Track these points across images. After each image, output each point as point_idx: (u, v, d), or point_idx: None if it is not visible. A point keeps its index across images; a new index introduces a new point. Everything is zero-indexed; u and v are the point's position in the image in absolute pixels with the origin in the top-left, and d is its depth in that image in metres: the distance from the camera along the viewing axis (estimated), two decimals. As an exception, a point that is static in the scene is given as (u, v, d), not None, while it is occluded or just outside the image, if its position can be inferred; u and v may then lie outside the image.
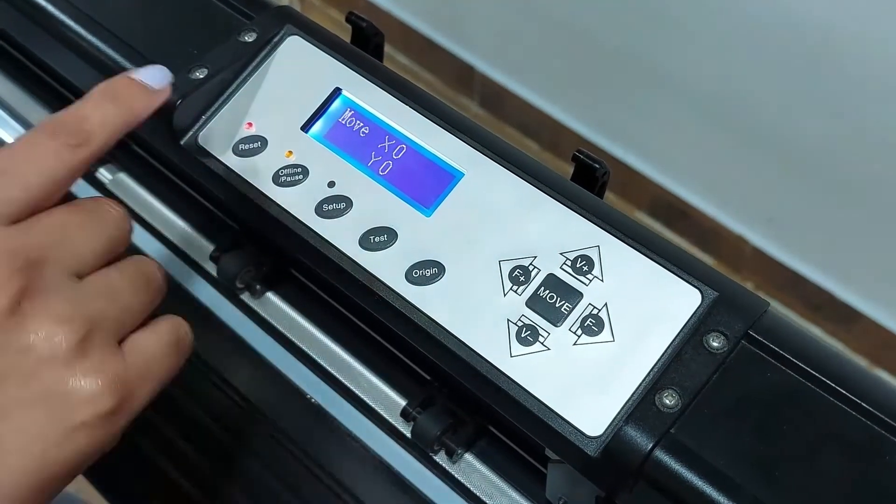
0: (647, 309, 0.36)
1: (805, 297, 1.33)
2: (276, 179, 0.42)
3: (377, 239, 0.40)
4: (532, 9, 1.37)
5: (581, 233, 0.38)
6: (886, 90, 1.07)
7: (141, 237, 0.57)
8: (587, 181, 0.42)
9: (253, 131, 0.43)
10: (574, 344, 0.36)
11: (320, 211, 0.41)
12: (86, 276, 0.34)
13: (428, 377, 0.49)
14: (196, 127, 0.43)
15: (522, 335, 0.37)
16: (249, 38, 0.45)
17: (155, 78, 0.39)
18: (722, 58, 1.19)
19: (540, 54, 1.44)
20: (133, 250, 0.57)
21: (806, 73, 1.12)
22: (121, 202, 0.58)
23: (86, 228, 0.35)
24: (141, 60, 0.44)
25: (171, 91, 0.40)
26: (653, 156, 1.40)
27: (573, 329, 0.36)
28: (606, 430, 0.34)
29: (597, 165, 0.42)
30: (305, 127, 0.43)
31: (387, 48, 0.49)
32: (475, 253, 0.39)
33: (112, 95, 0.37)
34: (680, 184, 1.39)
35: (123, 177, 0.60)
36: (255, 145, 0.43)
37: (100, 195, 0.37)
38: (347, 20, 0.48)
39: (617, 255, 0.37)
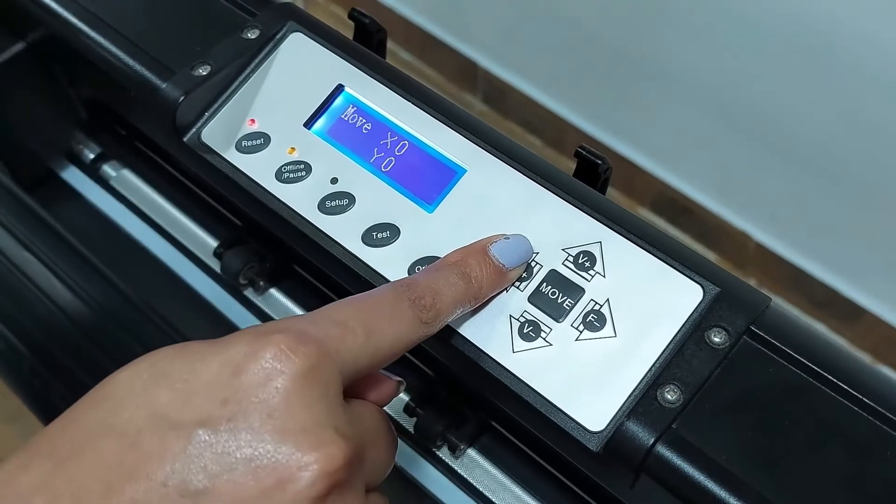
0: (648, 304, 0.36)
1: (809, 293, 1.33)
2: (279, 176, 0.42)
3: (380, 235, 0.40)
4: (535, 4, 1.37)
5: (583, 229, 0.38)
6: (891, 87, 1.07)
7: (145, 234, 0.58)
8: (590, 177, 0.42)
9: (256, 128, 0.43)
10: (576, 339, 0.36)
11: (323, 207, 0.41)
12: (369, 493, 0.31)
13: (430, 373, 0.49)
14: (199, 124, 0.43)
15: (524, 331, 0.37)
16: (252, 34, 0.45)
17: (512, 257, 0.37)
18: (726, 54, 1.19)
19: (543, 50, 1.44)
20: (137, 247, 0.58)
21: (811, 69, 1.12)
22: (136, 206, 0.59)
23: (388, 448, 0.32)
24: (144, 57, 0.44)
25: (523, 270, 0.38)
26: (656, 152, 1.40)
27: (575, 325, 0.36)
28: (608, 425, 0.34)
29: (599, 161, 0.42)
30: (308, 123, 0.43)
31: (389, 44, 0.49)
32: (477, 249, 0.39)
33: (466, 274, 0.35)
34: (683, 180, 1.39)
35: (127, 173, 0.60)
36: (257, 142, 0.43)
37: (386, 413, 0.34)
38: (350, 17, 0.48)
39: (619, 251, 0.38)
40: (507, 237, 0.38)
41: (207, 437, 0.27)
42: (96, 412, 0.28)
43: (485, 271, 0.36)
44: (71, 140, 0.61)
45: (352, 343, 0.30)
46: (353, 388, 0.33)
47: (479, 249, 0.37)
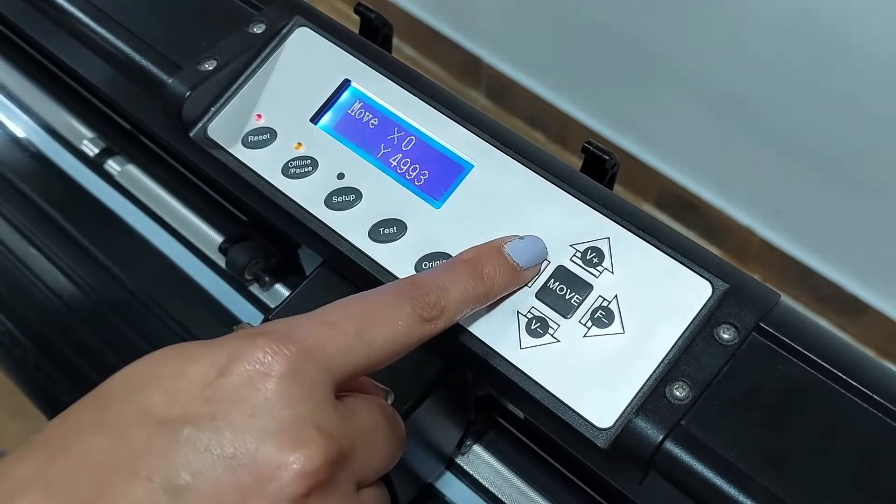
0: (657, 301, 0.36)
1: (812, 289, 1.33)
2: (286, 171, 0.42)
3: (387, 231, 0.40)
4: None
5: (591, 224, 0.38)
6: (894, 83, 1.06)
7: (150, 229, 0.58)
8: (597, 173, 0.42)
9: (262, 123, 0.43)
10: (584, 336, 0.36)
11: (330, 203, 0.41)
12: (362, 489, 0.31)
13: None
14: (205, 119, 0.43)
15: (532, 327, 0.37)
16: (258, 29, 0.45)
17: (527, 256, 0.37)
18: (730, 50, 1.19)
19: (547, 45, 1.43)
20: (142, 242, 0.58)
21: (815, 65, 1.11)
22: (141, 202, 0.58)
23: (387, 443, 0.32)
24: (151, 52, 0.44)
25: (538, 271, 0.37)
26: (660, 148, 1.40)
27: (583, 321, 0.36)
28: (617, 421, 0.34)
29: (606, 157, 0.42)
30: (315, 118, 0.43)
31: (392, 39, 0.49)
32: (485, 245, 0.39)
33: (477, 273, 0.35)
34: (687, 176, 1.39)
35: (132, 168, 0.60)
36: (264, 137, 0.43)
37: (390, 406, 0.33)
38: (356, 11, 0.48)
39: (627, 247, 0.37)
40: (521, 237, 0.37)
41: (191, 435, 0.27)
42: (91, 409, 0.29)
43: (498, 269, 0.36)
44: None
45: (341, 342, 0.30)
46: (354, 388, 0.33)
47: (494, 248, 0.36)
